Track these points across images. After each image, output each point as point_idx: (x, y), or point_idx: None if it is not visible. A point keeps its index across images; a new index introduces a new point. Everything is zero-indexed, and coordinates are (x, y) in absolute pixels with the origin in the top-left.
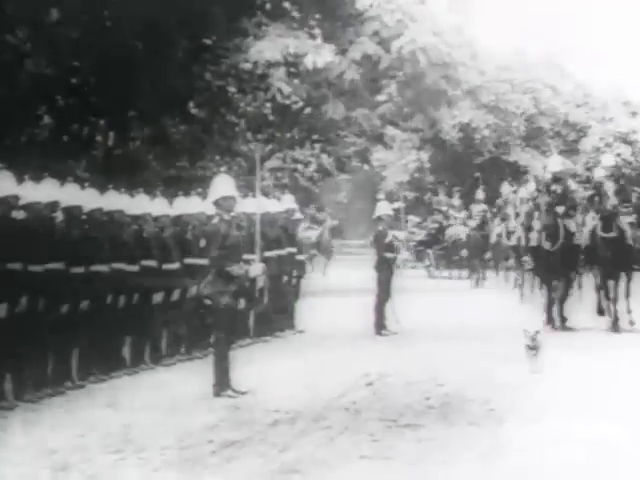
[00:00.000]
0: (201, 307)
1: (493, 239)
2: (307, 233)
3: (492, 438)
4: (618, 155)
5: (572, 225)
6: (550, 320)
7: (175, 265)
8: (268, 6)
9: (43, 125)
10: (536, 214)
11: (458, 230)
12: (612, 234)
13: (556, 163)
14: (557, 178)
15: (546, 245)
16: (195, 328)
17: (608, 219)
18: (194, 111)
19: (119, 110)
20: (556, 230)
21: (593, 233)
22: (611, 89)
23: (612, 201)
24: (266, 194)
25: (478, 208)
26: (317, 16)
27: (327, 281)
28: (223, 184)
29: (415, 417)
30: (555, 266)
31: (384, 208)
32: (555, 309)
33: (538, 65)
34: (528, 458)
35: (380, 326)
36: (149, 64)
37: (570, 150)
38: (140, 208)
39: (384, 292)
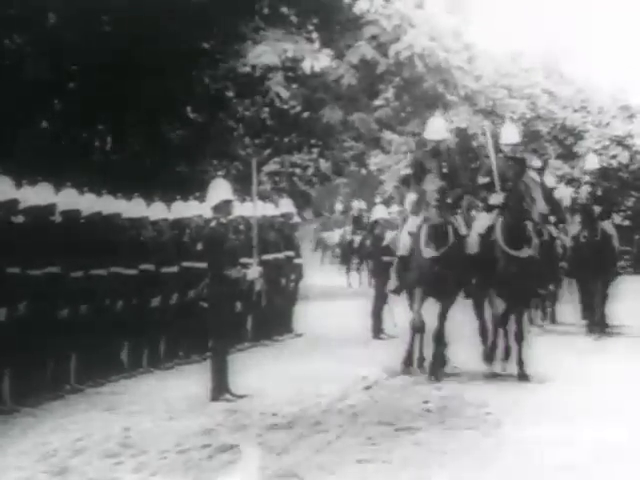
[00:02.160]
0: (199, 310)
1: None
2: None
3: (490, 441)
4: (613, 157)
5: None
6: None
7: (173, 269)
8: (266, 11)
9: (41, 129)
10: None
11: None
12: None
13: (511, 133)
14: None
15: (427, 252)
16: (193, 332)
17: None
18: (192, 115)
19: (117, 114)
20: (443, 230)
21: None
22: (608, 93)
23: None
24: (264, 198)
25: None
26: (315, 21)
27: None
28: (221, 188)
29: (413, 421)
30: (434, 281)
31: (380, 212)
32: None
33: (536, 70)
34: (526, 461)
35: (378, 330)
36: (147, 69)
37: (567, 154)
38: (138, 212)
39: (381, 295)
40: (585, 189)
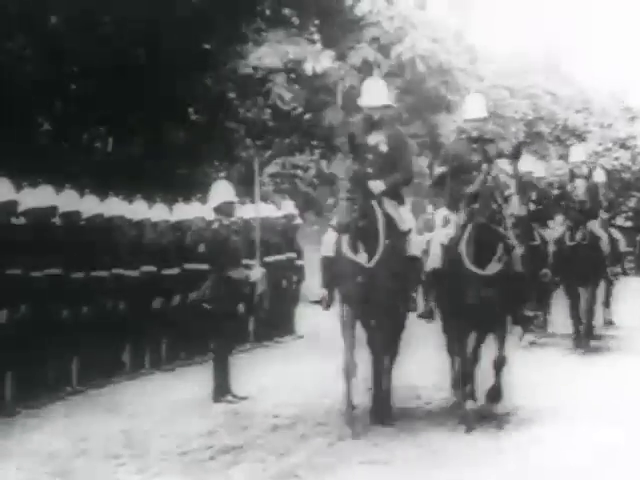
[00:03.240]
0: (201, 312)
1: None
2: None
3: (490, 443)
4: (616, 159)
5: (407, 216)
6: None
7: (174, 270)
8: (268, 12)
9: (42, 131)
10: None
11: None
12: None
13: (475, 105)
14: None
15: (350, 254)
16: (195, 333)
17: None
18: (193, 117)
19: (119, 116)
20: (371, 226)
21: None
22: (610, 95)
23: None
24: (265, 200)
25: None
26: (316, 22)
27: None
28: (223, 190)
29: (415, 422)
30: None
31: None
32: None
33: (537, 71)
34: (527, 462)
35: None
36: (149, 70)
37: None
38: (139, 214)
39: None
40: (579, 183)
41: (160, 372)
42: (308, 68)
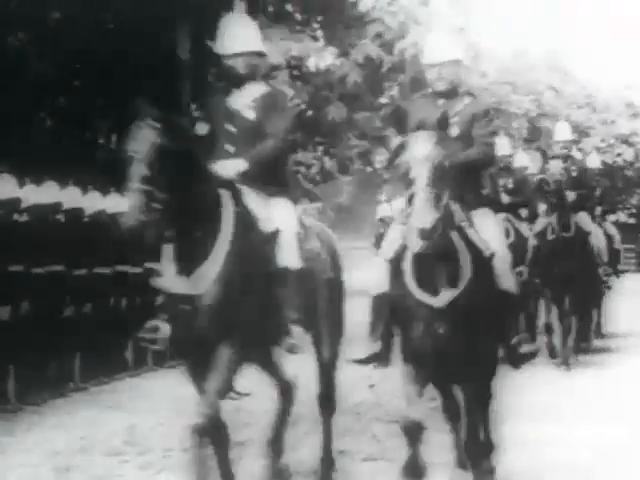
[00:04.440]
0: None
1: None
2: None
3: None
4: (619, 155)
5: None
6: None
7: None
8: (270, 9)
9: (45, 128)
10: None
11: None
12: None
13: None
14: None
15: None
16: None
17: None
18: (196, 113)
19: (121, 112)
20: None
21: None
22: (614, 91)
23: None
24: None
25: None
26: (319, 19)
27: None
28: None
29: None
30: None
31: (385, 210)
32: None
33: (540, 67)
34: (527, 460)
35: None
36: (151, 66)
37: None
38: None
39: None
40: (554, 164)
41: (163, 369)
42: (311, 65)
